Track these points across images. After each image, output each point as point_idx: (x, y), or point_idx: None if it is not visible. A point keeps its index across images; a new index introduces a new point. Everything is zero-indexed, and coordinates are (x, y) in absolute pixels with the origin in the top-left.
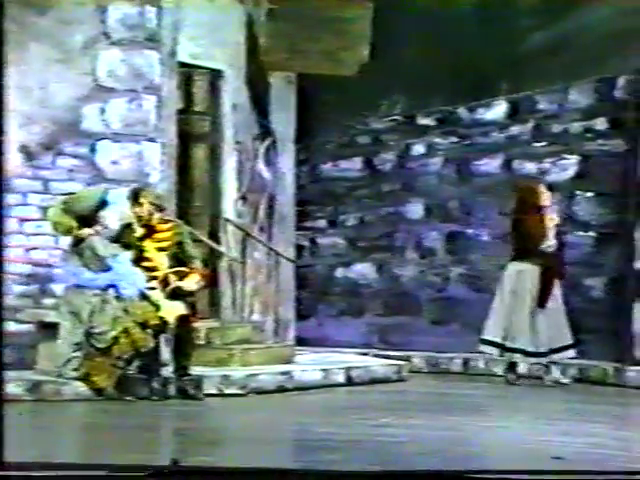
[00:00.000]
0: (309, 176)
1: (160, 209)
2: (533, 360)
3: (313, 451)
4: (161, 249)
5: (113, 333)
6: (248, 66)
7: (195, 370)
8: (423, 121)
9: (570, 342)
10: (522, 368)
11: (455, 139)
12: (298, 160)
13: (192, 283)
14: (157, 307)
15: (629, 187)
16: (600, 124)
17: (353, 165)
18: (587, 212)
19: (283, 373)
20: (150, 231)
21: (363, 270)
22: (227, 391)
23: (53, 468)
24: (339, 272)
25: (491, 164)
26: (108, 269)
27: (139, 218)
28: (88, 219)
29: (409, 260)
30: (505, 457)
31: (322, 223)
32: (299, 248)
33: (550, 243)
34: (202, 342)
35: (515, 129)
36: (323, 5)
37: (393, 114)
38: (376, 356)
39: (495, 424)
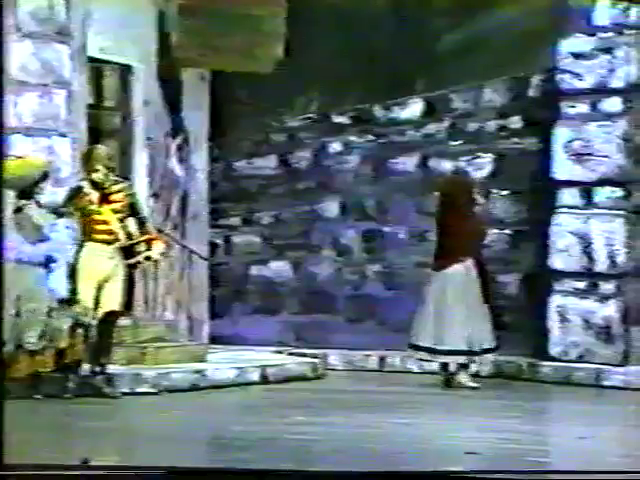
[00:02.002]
0: (223, 174)
1: (111, 170)
2: (462, 359)
3: (227, 450)
4: (116, 211)
5: (37, 329)
6: (159, 62)
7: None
8: (338, 119)
9: (494, 345)
10: (453, 368)
11: (371, 137)
12: (212, 158)
13: (158, 252)
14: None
15: (543, 185)
16: (514, 123)
17: (268, 163)
18: (502, 210)
19: (196, 371)
20: (104, 194)
21: (279, 268)
22: (139, 390)
23: (51, 469)
24: (254, 270)
25: (407, 162)
26: (46, 239)
27: (93, 183)
28: (27, 190)
29: (325, 258)
30: (420, 454)
31: (236, 221)
32: (213, 246)
33: (482, 242)
34: (114, 340)
35: (431, 128)
36: (237, 2)
37: (308, 112)
38: (291, 354)
39: (410, 421)
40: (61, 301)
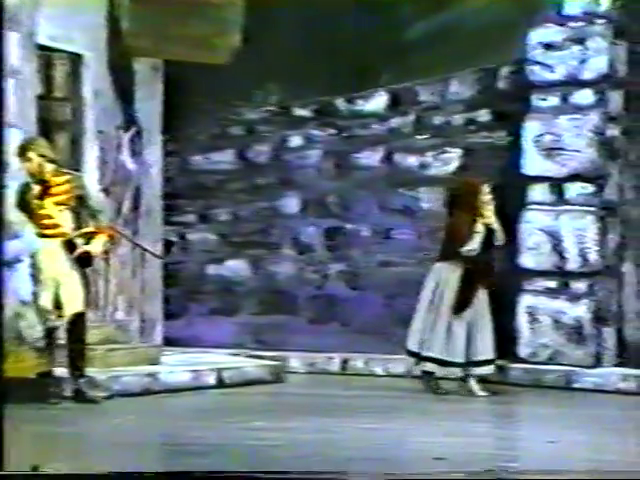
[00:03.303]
0: (178, 168)
1: (51, 161)
2: (446, 371)
3: (182, 456)
4: (59, 204)
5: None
6: (111, 51)
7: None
8: (299, 112)
9: (491, 357)
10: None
11: (333, 131)
12: (166, 151)
13: (99, 246)
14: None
15: (512, 181)
16: (483, 116)
17: (225, 157)
18: None
19: (149, 375)
20: (45, 187)
21: (236, 267)
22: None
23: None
24: (211, 269)
25: (371, 157)
26: (16, 237)
27: (31, 175)
28: None
29: (285, 257)
30: (386, 459)
31: (192, 218)
32: (167, 244)
33: (471, 248)
34: (62, 342)
35: (396, 121)
36: None
37: (267, 104)
38: (250, 357)
39: (375, 426)
40: (25, 303)
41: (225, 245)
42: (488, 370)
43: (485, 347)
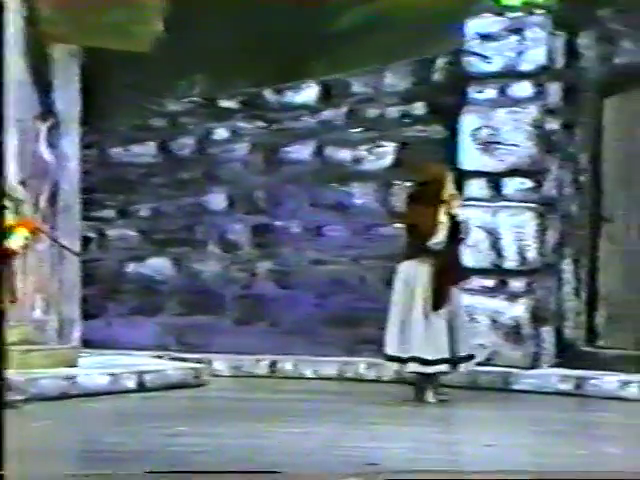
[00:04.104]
0: (97, 161)
1: None
2: (430, 370)
3: (101, 462)
4: None
5: None
6: (26, 36)
7: None
8: (226, 104)
9: (472, 352)
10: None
11: (262, 124)
12: (84, 143)
13: (20, 241)
14: None
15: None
16: (418, 109)
17: (147, 150)
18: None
19: (66, 378)
20: None
21: (158, 265)
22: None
23: None
24: (131, 267)
25: (302, 151)
26: None
27: None
28: None
29: (211, 255)
30: (315, 465)
31: (112, 213)
32: (86, 240)
33: (438, 240)
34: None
35: (327, 114)
36: None
37: (192, 95)
38: (172, 359)
39: (304, 430)
40: None
41: (146, 242)
42: (472, 365)
43: (466, 342)
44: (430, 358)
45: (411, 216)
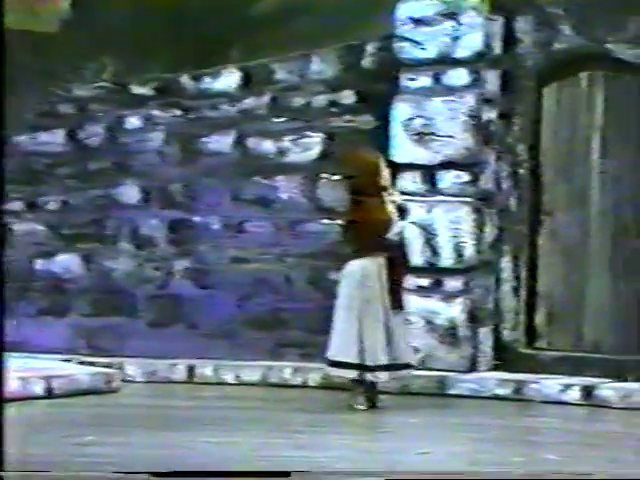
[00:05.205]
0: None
1: None
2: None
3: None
4: None
5: None
6: None
7: None
8: (138, 90)
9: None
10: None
11: (178, 112)
12: None
13: None
14: None
15: None
16: (347, 97)
17: (54, 138)
18: (333, 197)
19: None
20: None
21: (67, 262)
22: None
23: None
24: (39, 264)
25: (221, 141)
26: None
27: None
28: None
29: (122, 251)
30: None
31: (18, 206)
32: None
33: (396, 231)
34: None
35: (249, 102)
36: None
37: (101, 80)
38: (81, 363)
39: (223, 439)
40: None
41: (54, 237)
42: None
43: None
44: (400, 363)
45: (359, 210)
